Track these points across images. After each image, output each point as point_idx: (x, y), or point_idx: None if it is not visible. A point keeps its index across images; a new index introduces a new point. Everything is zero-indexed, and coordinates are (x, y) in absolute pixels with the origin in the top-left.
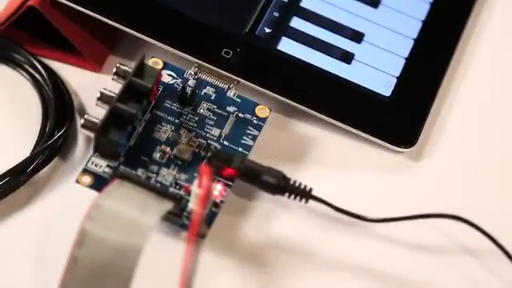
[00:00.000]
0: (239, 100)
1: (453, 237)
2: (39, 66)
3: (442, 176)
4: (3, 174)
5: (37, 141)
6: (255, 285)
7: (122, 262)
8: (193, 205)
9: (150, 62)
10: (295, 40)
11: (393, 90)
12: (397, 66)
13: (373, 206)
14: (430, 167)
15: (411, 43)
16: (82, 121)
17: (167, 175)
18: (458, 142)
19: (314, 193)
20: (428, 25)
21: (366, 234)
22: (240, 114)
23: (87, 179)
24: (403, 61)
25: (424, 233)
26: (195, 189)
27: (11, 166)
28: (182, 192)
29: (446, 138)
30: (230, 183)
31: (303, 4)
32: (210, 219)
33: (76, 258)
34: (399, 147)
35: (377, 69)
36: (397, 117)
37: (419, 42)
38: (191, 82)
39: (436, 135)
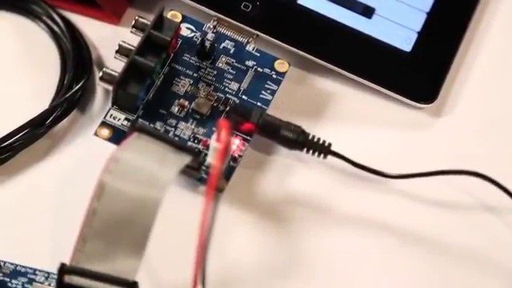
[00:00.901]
0: (258, 54)
1: (472, 193)
2: (58, 18)
3: (462, 132)
4: (22, 125)
5: (55, 93)
6: (273, 239)
7: (140, 215)
8: (211, 159)
9: (169, 14)
10: None
11: (413, 45)
12: (418, 21)
13: (392, 162)
14: (450, 123)
15: None
16: (101, 74)
17: (185, 129)
18: (479, 98)
19: (332, 148)
20: None
21: (385, 191)
22: (259, 69)
23: (105, 132)
24: (424, 15)
25: (443, 189)
26: (213, 143)
27: (30, 118)
28: (200, 146)
29: (467, 94)
30: (248, 138)
31: None
32: (228, 173)
33: (94, 211)
34: (419, 103)
35: (397, 23)
36: (417, 72)
37: None
38: (210, 36)
39: (456, 91)
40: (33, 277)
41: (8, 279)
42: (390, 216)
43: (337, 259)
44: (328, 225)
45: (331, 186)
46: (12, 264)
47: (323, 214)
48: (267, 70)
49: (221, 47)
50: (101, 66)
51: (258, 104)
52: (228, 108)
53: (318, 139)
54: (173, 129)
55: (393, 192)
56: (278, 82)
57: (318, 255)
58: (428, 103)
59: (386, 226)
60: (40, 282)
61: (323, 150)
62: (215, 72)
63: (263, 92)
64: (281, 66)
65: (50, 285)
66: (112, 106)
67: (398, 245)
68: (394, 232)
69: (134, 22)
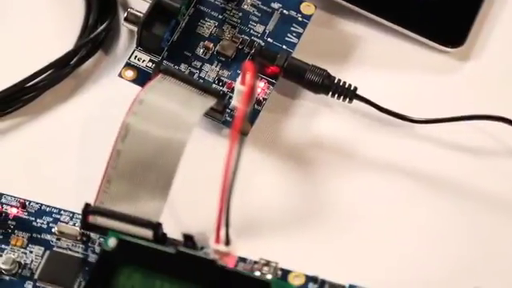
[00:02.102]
0: None
1: (498, 139)
2: None
3: (488, 77)
4: (47, 65)
5: (80, 34)
6: (296, 182)
7: (164, 157)
8: (236, 101)
9: None
10: None
11: None
12: None
13: (417, 107)
14: (477, 68)
15: None
16: (125, 14)
17: (210, 71)
18: (507, 43)
19: (358, 92)
20: None
21: (410, 135)
22: (284, 11)
23: (130, 73)
24: None
25: (468, 135)
26: (238, 85)
27: (54, 59)
28: (224, 88)
29: (495, 39)
30: (273, 81)
31: None
32: (252, 117)
33: (119, 152)
34: (447, 47)
35: None
36: (445, 16)
37: None
38: None
39: (485, 36)
40: (57, 216)
41: (33, 218)
42: (414, 161)
43: (360, 203)
44: (352, 169)
45: (356, 130)
46: (37, 203)
47: (347, 159)
48: (293, 13)
49: None
50: (125, 6)
51: (284, 47)
52: (253, 51)
53: (344, 83)
54: (197, 71)
55: (418, 137)
56: (303, 25)
57: (341, 199)
58: (456, 47)
59: (410, 170)
60: (65, 222)
61: (348, 94)
62: (240, 14)
63: (289, 35)
64: (307, 8)
65: (74, 225)
66: (137, 47)
67: (423, 190)
68: (418, 177)
69: None
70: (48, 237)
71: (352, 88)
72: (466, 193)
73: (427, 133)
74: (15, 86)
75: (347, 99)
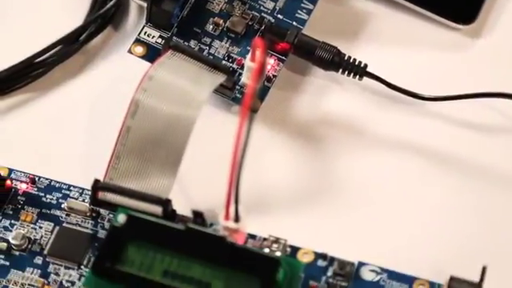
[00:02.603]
0: None
1: (509, 116)
2: None
3: (500, 55)
4: (56, 41)
5: (89, 10)
6: (306, 160)
7: (174, 134)
8: (245, 78)
9: None
10: None
11: None
12: None
13: (428, 85)
14: (488, 45)
15: None
16: None
17: (220, 48)
18: None
19: (368, 69)
20: None
21: (420, 113)
22: None
23: (140, 49)
24: None
25: (479, 112)
26: (248, 62)
27: (64, 35)
28: (234, 65)
29: (507, 16)
30: (283, 58)
31: None
32: (262, 94)
33: (128, 128)
34: (458, 24)
35: None
36: None
37: None
38: None
39: (496, 13)
40: (67, 192)
41: (43, 194)
42: (424, 138)
43: (370, 181)
44: (362, 146)
45: (366, 107)
46: (46, 179)
47: (357, 136)
48: None
49: None
50: None
51: (294, 23)
52: (263, 27)
53: (354, 60)
54: (207, 47)
55: (428, 114)
56: (314, 1)
57: (351, 177)
58: (467, 24)
59: (420, 148)
60: (74, 198)
61: (359, 70)
62: None
63: (299, 11)
64: None
65: (84, 201)
66: (146, 23)
67: (433, 167)
68: (428, 154)
69: None
70: (57, 212)
71: (362, 65)
72: (476, 170)
73: (438, 110)
74: (24, 61)
75: (357, 76)
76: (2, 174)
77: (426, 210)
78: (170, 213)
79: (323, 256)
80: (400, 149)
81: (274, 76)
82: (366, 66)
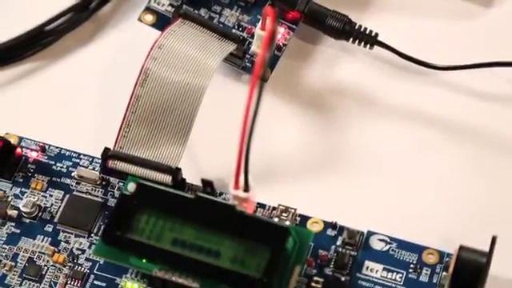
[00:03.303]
0: None
1: None
2: None
3: None
4: (66, 9)
5: None
6: (317, 128)
7: (184, 102)
8: (256, 47)
9: None
10: None
11: None
12: None
13: (439, 54)
14: (500, 14)
15: None
16: None
17: (230, 16)
18: None
19: (379, 38)
20: None
21: (431, 82)
22: None
23: (150, 17)
24: None
25: (492, 82)
26: (259, 31)
27: (74, 2)
28: (244, 34)
29: None
30: (293, 26)
31: None
32: (272, 63)
33: (138, 96)
34: None
35: None
36: None
37: None
38: None
39: None
40: (77, 161)
41: (53, 162)
42: (435, 108)
43: (380, 150)
44: (372, 116)
45: (377, 77)
46: (56, 147)
47: (368, 105)
48: None
49: None
50: None
51: None
52: None
53: (365, 29)
54: (217, 16)
55: (439, 84)
56: None
57: (361, 146)
58: None
59: (431, 118)
60: (84, 166)
61: (370, 39)
62: None
63: None
64: None
65: (94, 169)
66: None
67: (443, 137)
68: (439, 124)
69: None
70: (68, 181)
71: (373, 34)
72: (487, 140)
73: (449, 80)
74: (34, 29)
75: (368, 45)
76: (13, 142)
77: (436, 179)
78: (179, 181)
79: (333, 225)
80: (411, 118)
81: (284, 45)
82: (376, 34)
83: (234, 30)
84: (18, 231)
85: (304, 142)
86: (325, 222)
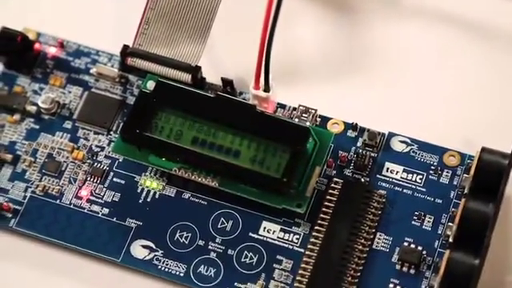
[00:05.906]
0: None
1: None
2: None
3: None
4: None
5: None
6: (339, 29)
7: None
8: None
9: None
10: None
11: None
12: None
13: None
14: None
15: None
16: None
17: None
18: None
19: None
20: None
21: None
22: None
23: None
24: None
25: None
26: None
27: None
28: None
29: None
30: None
31: None
32: None
33: None
34: None
35: None
36: None
37: None
38: None
39: None
40: (96, 57)
41: (71, 58)
42: (461, 8)
43: (404, 52)
44: (396, 17)
45: None
46: (75, 43)
47: (391, 5)
48: None
49: None
50: None
51: None
52: None
53: None
54: None
55: None
56: None
57: (384, 47)
58: None
59: (456, 18)
60: (103, 63)
61: None
62: None
63: None
64: None
65: (112, 66)
66: None
67: (468, 38)
68: (464, 25)
69: None
70: (86, 77)
71: None
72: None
73: None
74: None
75: None
76: (31, 37)
77: (459, 81)
78: (199, 80)
79: (353, 126)
80: (435, 19)
81: None
82: None
83: None
84: (37, 127)
85: (326, 43)
86: (345, 123)
